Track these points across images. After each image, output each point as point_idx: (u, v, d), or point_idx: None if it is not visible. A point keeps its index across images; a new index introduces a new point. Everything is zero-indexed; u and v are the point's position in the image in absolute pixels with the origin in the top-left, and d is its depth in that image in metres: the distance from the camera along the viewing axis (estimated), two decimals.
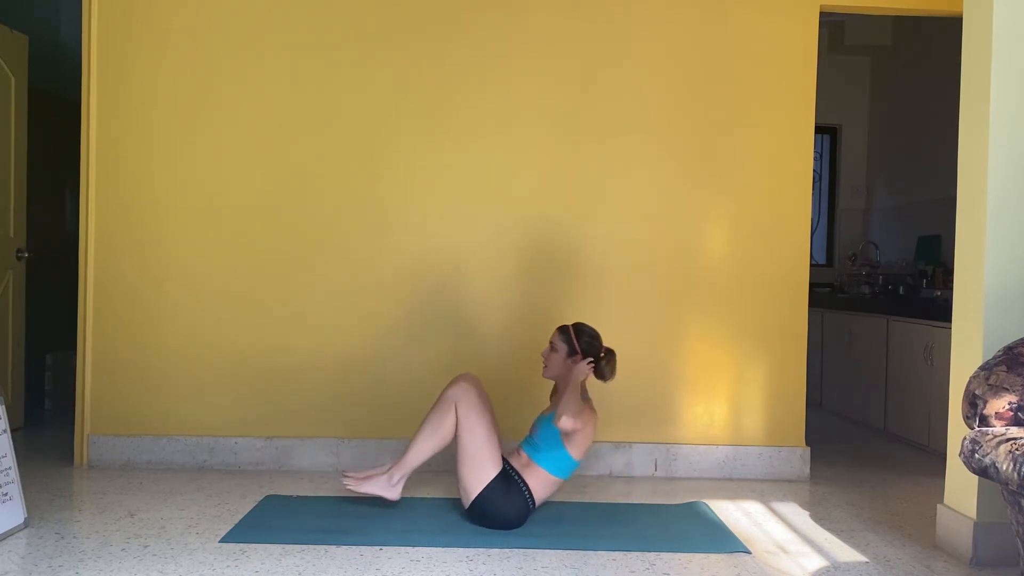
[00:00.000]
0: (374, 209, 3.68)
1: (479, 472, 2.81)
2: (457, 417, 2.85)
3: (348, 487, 2.91)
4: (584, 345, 3.01)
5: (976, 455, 2.09)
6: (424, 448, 2.89)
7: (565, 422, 2.76)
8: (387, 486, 2.93)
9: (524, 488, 2.85)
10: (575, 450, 2.90)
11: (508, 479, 2.85)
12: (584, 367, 2.93)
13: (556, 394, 3.12)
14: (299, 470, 3.63)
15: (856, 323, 5.18)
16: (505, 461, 2.92)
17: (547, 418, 2.94)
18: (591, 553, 2.63)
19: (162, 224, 3.66)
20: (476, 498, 2.81)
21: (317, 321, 3.66)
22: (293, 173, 3.67)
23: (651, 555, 2.63)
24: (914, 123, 5.79)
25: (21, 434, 4.20)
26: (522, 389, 3.66)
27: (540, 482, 2.88)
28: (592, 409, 2.96)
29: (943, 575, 2.53)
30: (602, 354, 3.03)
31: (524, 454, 2.94)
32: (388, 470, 2.94)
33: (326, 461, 3.65)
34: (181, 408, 3.66)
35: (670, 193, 3.70)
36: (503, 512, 2.81)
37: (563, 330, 3.06)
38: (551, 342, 3.07)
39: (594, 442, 3.55)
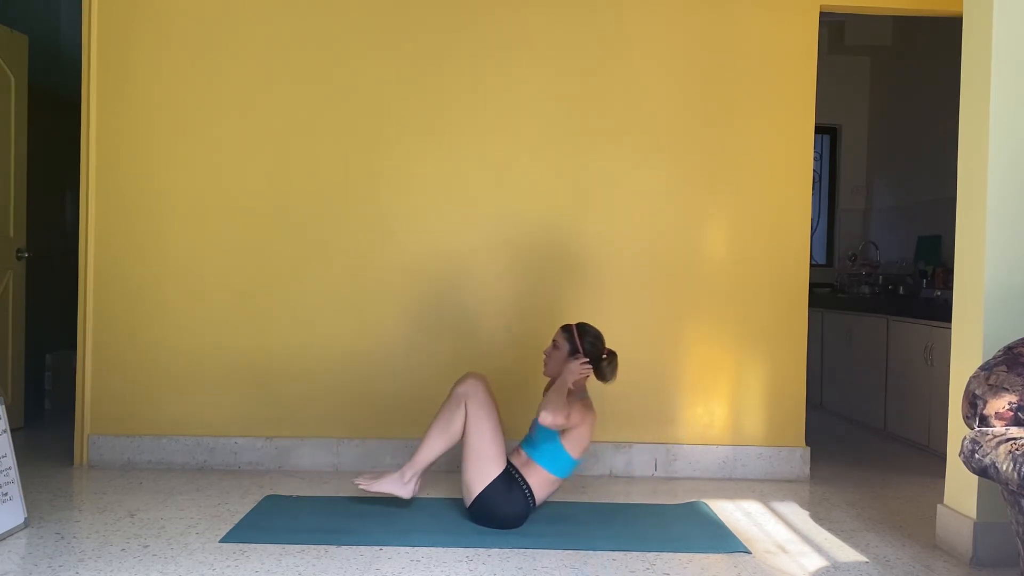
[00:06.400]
0: (374, 208, 3.68)
1: (483, 470, 2.82)
2: (466, 414, 2.86)
3: (361, 487, 2.92)
4: (587, 345, 3.00)
5: (976, 455, 2.09)
6: (435, 446, 2.90)
7: (544, 416, 2.75)
8: (400, 484, 2.93)
9: (525, 487, 2.85)
10: (573, 448, 2.89)
11: (510, 478, 2.85)
12: (576, 366, 2.90)
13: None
14: (299, 470, 3.63)
15: (856, 323, 5.18)
16: (508, 463, 2.92)
17: None
18: (591, 553, 2.63)
19: (162, 224, 3.66)
20: (478, 497, 2.82)
21: (317, 320, 3.66)
22: (293, 173, 3.67)
23: (651, 555, 2.63)
24: (914, 123, 5.79)
25: (21, 434, 4.20)
26: (522, 388, 3.66)
27: (540, 480, 2.88)
28: (589, 407, 2.94)
29: (943, 575, 2.53)
30: (604, 356, 3.03)
31: (523, 453, 2.94)
32: (400, 469, 2.95)
33: (326, 461, 3.65)
34: (181, 408, 3.66)
35: (669, 193, 3.70)
36: (504, 511, 2.82)
37: (566, 329, 3.05)
38: (554, 340, 3.05)
39: (594, 442, 3.56)
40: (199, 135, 3.66)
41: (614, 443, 3.69)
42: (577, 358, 2.95)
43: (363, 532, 2.76)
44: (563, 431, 2.86)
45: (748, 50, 3.69)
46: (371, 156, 3.68)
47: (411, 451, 3.17)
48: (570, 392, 2.89)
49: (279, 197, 3.67)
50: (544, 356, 3.08)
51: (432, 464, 2.97)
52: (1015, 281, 2.64)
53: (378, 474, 2.97)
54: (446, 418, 2.89)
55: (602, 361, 3.01)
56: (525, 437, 3.01)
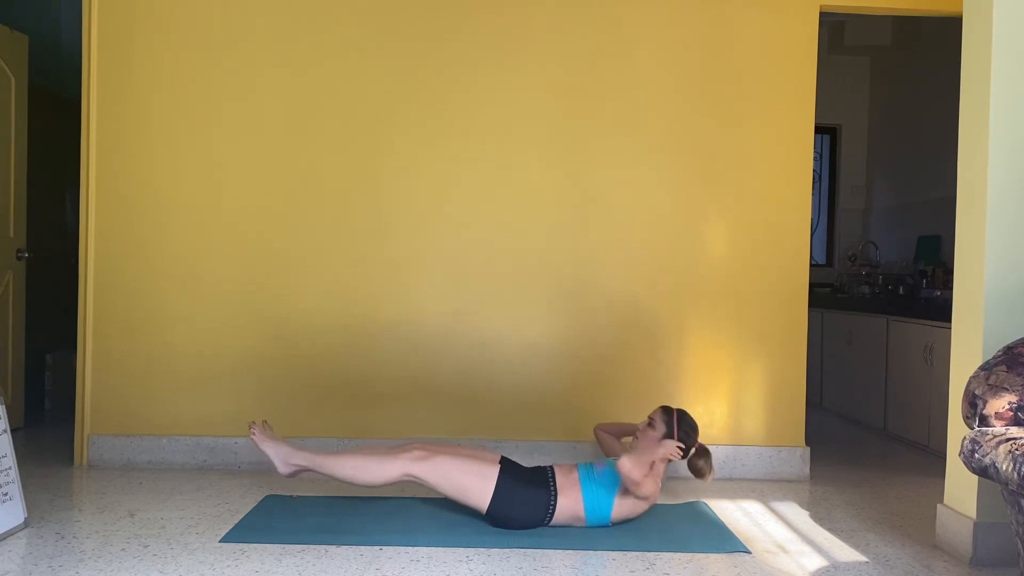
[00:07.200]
0: (374, 208, 3.68)
1: (478, 493, 2.80)
2: (426, 479, 2.83)
3: (252, 434, 2.91)
4: (682, 433, 3.04)
5: (976, 455, 2.10)
6: (343, 468, 2.86)
7: (624, 462, 2.75)
8: (282, 460, 2.91)
9: (552, 496, 2.81)
10: (618, 511, 2.85)
11: (534, 480, 2.84)
12: (672, 447, 2.90)
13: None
14: None
15: (856, 323, 5.18)
16: (551, 468, 2.91)
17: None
18: (591, 553, 2.63)
19: (162, 223, 3.66)
20: (488, 509, 2.80)
21: (317, 321, 3.66)
22: (293, 172, 3.67)
23: (651, 555, 2.63)
24: (914, 123, 5.79)
25: (21, 434, 4.20)
26: (522, 390, 3.66)
27: (568, 505, 2.83)
28: (657, 488, 2.88)
29: (943, 575, 2.53)
30: (694, 448, 3.07)
31: (576, 475, 2.89)
32: (298, 449, 2.92)
33: None
34: (181, 408, 3.66)
35: (669, 193, 3.70)
36: (518, 511, 2.79)
37: (667, 411, 3.09)
38: (651, 418, 3.09)
39: (594, 441, 3.56)
40: (199, 135, 3.65)
41: None
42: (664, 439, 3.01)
43: (363, 532, 2.75)
44: (622, 492, 2.84)
45: (748, 50, 3.69)
46: (371, 155, 3.67)
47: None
48: (652, 465, 2.86)
49: (279, 196, 3.66)
50: (637, 431, 3.11)
51: (321, 475, 2.94)
52: (1015, 281, 2.64)
53: (275, 437, 2.94)
54: (373, 463, 2.84)
55: (695, 455, 3.07)
56: (588, 464, 2.97)
